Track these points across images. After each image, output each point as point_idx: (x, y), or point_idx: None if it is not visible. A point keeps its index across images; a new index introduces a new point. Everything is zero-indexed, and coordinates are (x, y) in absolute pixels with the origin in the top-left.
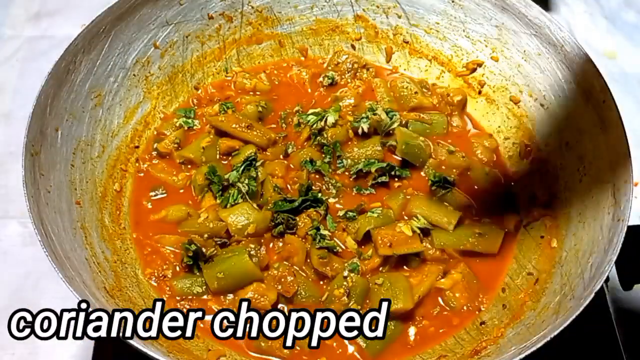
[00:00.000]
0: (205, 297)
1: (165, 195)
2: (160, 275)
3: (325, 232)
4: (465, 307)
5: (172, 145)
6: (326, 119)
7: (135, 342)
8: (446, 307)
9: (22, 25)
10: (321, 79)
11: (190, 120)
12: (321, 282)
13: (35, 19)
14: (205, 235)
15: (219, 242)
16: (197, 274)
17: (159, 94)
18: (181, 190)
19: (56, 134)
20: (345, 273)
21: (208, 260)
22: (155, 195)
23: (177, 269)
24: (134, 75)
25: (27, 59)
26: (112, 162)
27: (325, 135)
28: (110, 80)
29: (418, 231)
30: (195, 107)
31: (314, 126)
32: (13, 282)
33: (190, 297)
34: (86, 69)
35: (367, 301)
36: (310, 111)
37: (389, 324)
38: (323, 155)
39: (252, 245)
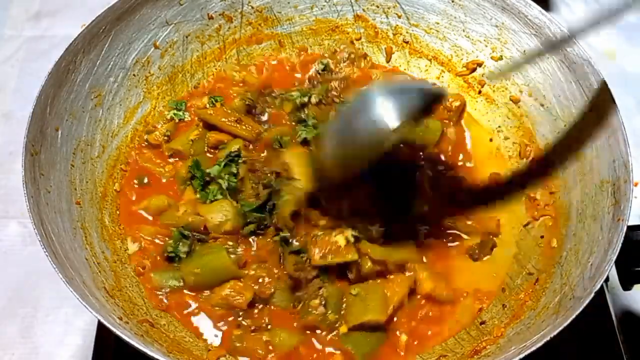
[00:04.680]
0: (184, 290)
1: (150, 185)
2: (141, 266)
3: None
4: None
5: (163, 137)
6: (310, 97)
7: (135, 342)
8: (434, 307)
9: (22, 25)
10: (315, 65)
11: (180, 113)
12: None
13: (35, 19)
14: (187, 232)
15: (197, 237)
16: (177, 266)
17: (159, 94)
18: (163, 180)
19: (56, 134)
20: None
21: (188, 254)
22: (139, 185)
23: (158, 258)
24: (134, 75)
25: (27, 59)
26: (112, 162)
27: (306, 112)
28: (110, 80)
29: (352, 240)
30: (186, 100)
31: (297, 101)
32: (13, 282)
33: (167, 290)
34: (86, 69)
35: (342, 312)
36: (295, 89)
37: (366, 334)
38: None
39: (231, 243)
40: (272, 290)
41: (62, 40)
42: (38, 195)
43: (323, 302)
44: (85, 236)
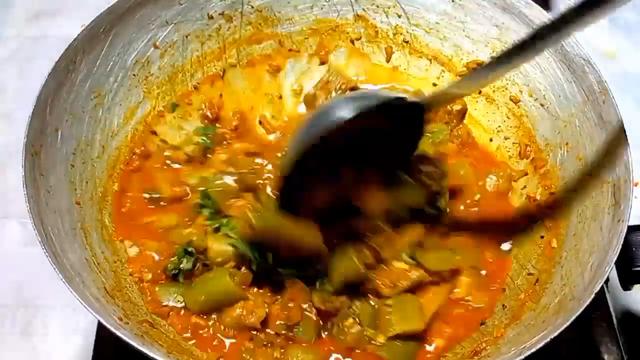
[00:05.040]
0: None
1: (161, 198)
2: (141, 278)
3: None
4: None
5: (184, 157)
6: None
7: (135, 343)
8: (468, 308)
9: (22, 25)
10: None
11: (208, 141)
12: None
13: (35, 19)
14: (191, 248)
15: (202, 261)
16: (181, 282)
17: (159, 94)
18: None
19: (56, 134)
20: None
21: (191, 275)
22: (150, 198)
23: (159, 272)
24: (134, 75)
25: (27, 59)
26: (112, 162)
27: None
28: (110, 80)
29: (412, 261)
30: (215, 127)
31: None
32: (13, 282)
33: (173, 304)
34: (86, 69)
35: (377, 322)
36: None
37: (403, 343)
38: None
39: (233, 263)
40: (300, 317)
41: (62, 40)
42: (38, 195)
43: (357, 321)
44: (85, 236)
